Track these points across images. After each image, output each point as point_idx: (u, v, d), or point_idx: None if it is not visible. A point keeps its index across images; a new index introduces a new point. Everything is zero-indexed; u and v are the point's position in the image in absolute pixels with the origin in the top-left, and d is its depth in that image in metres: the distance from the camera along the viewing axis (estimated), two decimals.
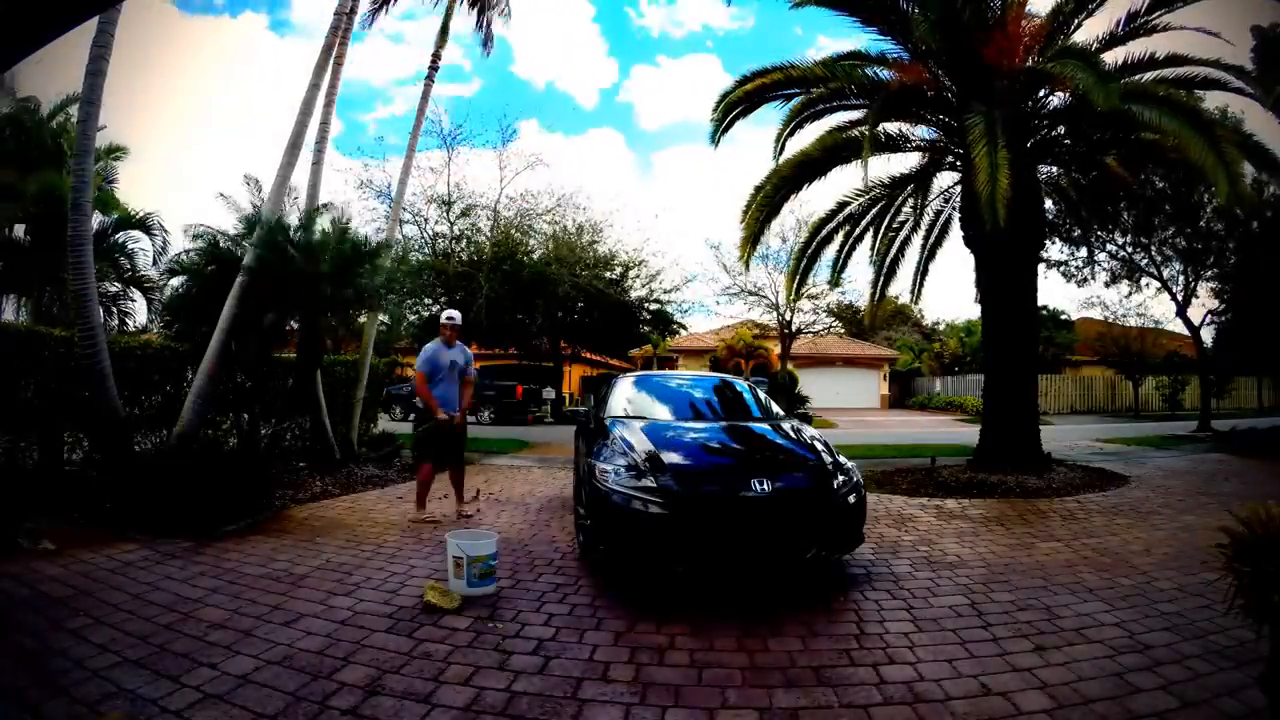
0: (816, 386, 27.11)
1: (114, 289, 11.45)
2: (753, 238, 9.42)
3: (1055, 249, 15.91)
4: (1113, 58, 7.65)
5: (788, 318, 22.19)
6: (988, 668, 2.71)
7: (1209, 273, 14.89)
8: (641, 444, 3.96)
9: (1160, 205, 12.82)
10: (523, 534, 5.00)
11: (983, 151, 6.43)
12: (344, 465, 7.88)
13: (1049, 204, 10.69)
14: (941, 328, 39.85)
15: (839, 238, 10.52)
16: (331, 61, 8.09)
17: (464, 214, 12.75)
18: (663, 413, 5.02)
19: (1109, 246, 15.79)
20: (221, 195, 7.91)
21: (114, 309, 11.28)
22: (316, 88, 7.83)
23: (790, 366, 23.86)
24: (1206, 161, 6.17)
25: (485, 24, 11.06)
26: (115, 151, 13.38)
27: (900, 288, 12.12)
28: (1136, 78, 7.55)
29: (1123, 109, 6.37)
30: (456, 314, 5.59)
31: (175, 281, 8.28)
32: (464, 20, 11.04)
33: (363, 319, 9.28)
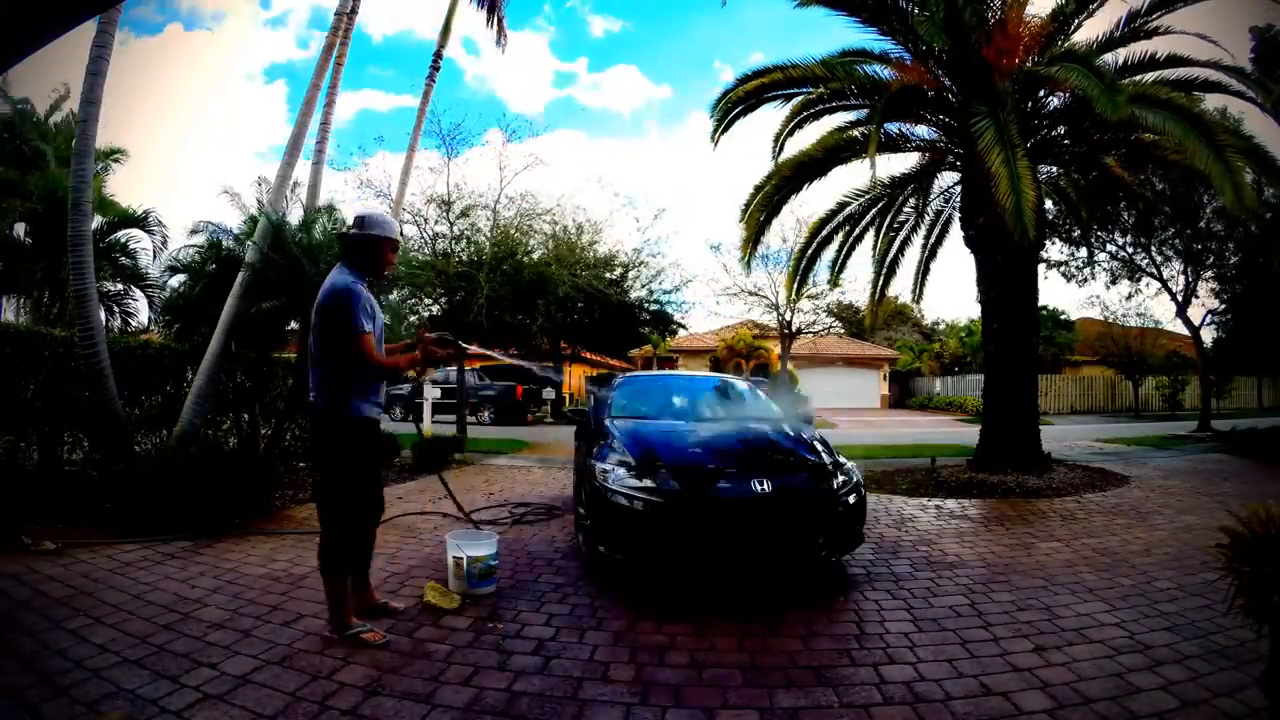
0: (816, 386, 27.12)
1: (114, 288, 11.46)
2: (753, 238, 9.44)
3: (1055, 249, 15.94)
4: (1112, 58, 7.67)
5: (788, 318, 22.19)
6: (988, 668, 2.71)
7: (1209, 273, 14.89)
8: (641, 444, 3.96)
9: (1160, 205, 12.83)
10: (523, 534, 5.00)
11: (999, 159, 6.37)
12: None
13: (1049, 204, 10.69)
14: (941, 328, 39.87)
15: (839, 238, 10.53)
16: (332, 62, 8.09)
17: (464, 214, 12.73)
18: (662, 413, 5.02)
19: (1109, 246, 15.80)
20: (226, 192, 7.91)
21: (115, 309, 11.29)
22: (317, 88, 7.83)
23: (790, 366, 23.85)
24: (1213, 170, 6.17)
25: (497, 20, 11.03)
26: (114, 154, 13.40)
27: (901, 287, 12.17)
28: (1137, 79, 7.55)
29: (1127, 112, 6.36)
30: (391, 221, 3.17)
31: (175, 280, 8.28)
32: (470, 19, 11.02)
33: None
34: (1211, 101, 9.34)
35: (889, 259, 10.86)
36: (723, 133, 8.76)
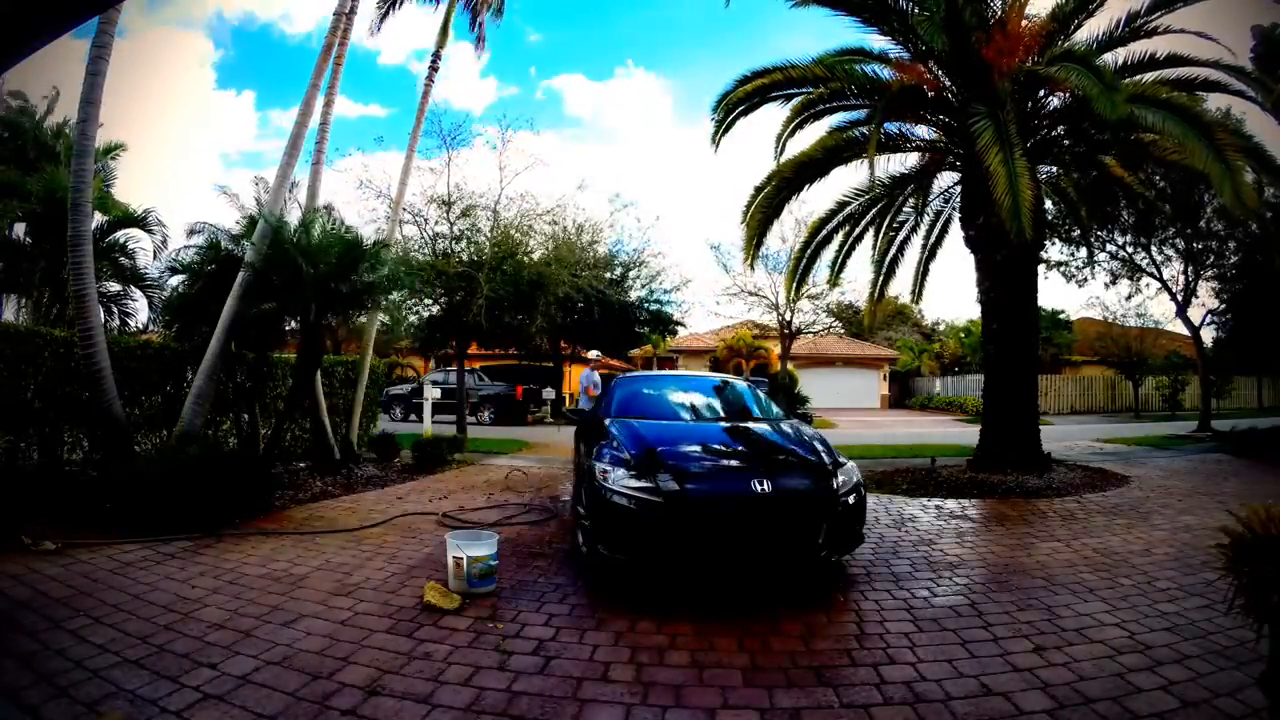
0: (816, 386, 27.10)
1: (114, 289, 11.44)
2: (755, 238, 9.43)
3: (1055, 249, 15.91)
4: (1112, 58, 7.66)
5: (788, 318, 22.20)
6: (988, 668, 2.71)
7: (1209, 273, 14.88)
8: (641, 444, 3.96)
9: (1160, 205, 12.82)
10: (523, 534, 5.00)
11: (997, 159, 6.38)
12: (344, 465, 7.89)
13: (1049, 204, 10.68)
14: (941, 328, 39.87)
15: (839, 238, 10.52)
16: (331, 61, 8.10)
17: (464, 214, 12.73)
18: (662, 413, 5.02)
19: (1109, 246, 15.79)
20: (224, 193, 7.91)
21: (114, 309, 11.26)
22: (316, 87, 7.84)
23: (790, 366, 23.85)
24: (1212, 170, 6.17)
25: (479, 25, 11.07)
26: (113, 150, 13.35)
27: (900, 288, 12.13)
28: (1137, 78, 7.54)
29: (1127, 111, 6.36)
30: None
31: (175, 280, 8.29)
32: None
33: (363, 319, 9.28)
34: (1213, 101, 9.35)
35: (889, 259, 10.86)
36: (723, 134, 8.76)
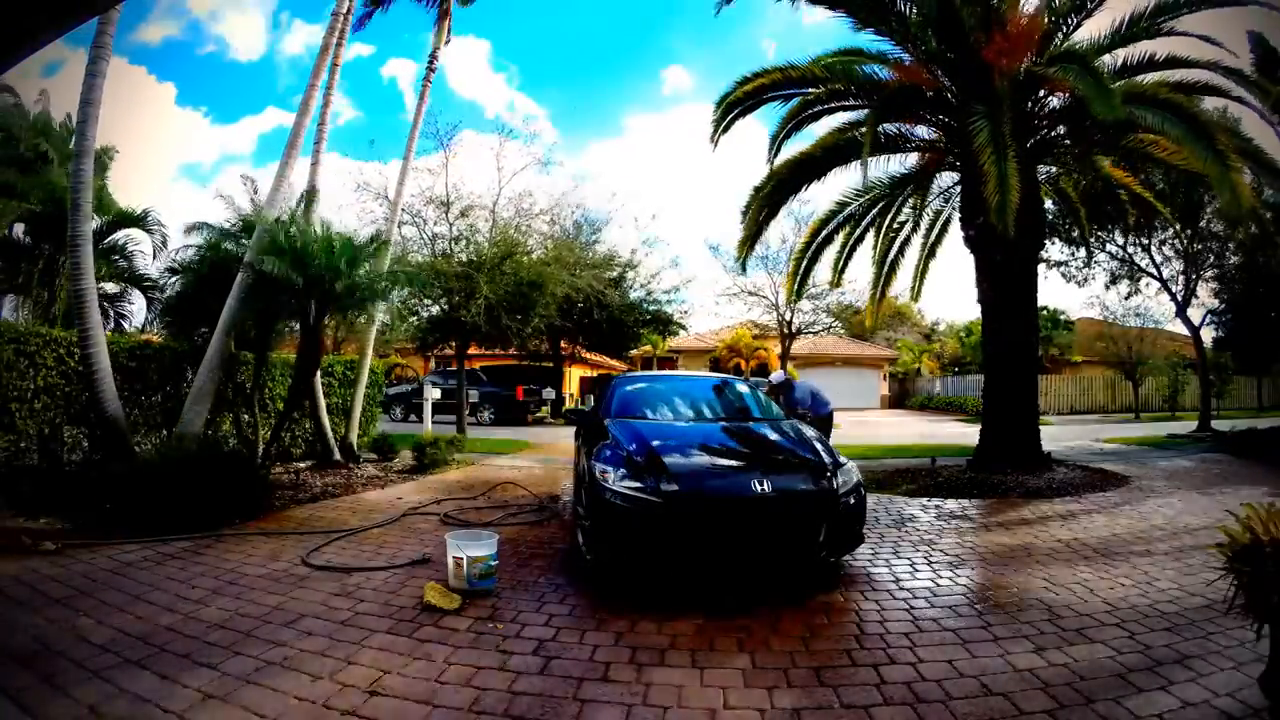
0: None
1: (114, 289, 11.45)
2: (751, 238, 9.44)
3: (1055, 249, 15.90)
4: (1112, 59, 7.66)
5: (787, 318, 22.20)
6: (988, 668, 2.71)
7: (1209, 273, 14.88)
8: (641, 445, 3.96)
9: (1160, 206, 12.83)
10: (523, 534, 5.00)
11: (990, 159, 6.41)
12: (344, 466, 7.89)
13: (1049, 204, 10.68)
14: (941, 328, 39.91)
15: (839, 238, 10.53)
16: (329, 62, 8.10)
17: (463, 214, 12.75)
18: (662, 413, 5.03)
19: (1109, 247, 15.78)
20: (220, 196, 7.92)
21: (110, 310, 11.28)
22: (315, 88, 7.85)
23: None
24: (1211, 171, 6.19)
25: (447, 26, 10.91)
26: (106, 151, 13.34)
27: (901, 287, 12.14)
28: (1137, 79, 7.54)
29: (1124, 113, 6.36)
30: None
31: (175, 280, 8.29)
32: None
33: (362, 319, 9.28)
34: (1211, 101, 9.33)
35: (889, 259, 10.87)
36: (722, 133, 8.76)
